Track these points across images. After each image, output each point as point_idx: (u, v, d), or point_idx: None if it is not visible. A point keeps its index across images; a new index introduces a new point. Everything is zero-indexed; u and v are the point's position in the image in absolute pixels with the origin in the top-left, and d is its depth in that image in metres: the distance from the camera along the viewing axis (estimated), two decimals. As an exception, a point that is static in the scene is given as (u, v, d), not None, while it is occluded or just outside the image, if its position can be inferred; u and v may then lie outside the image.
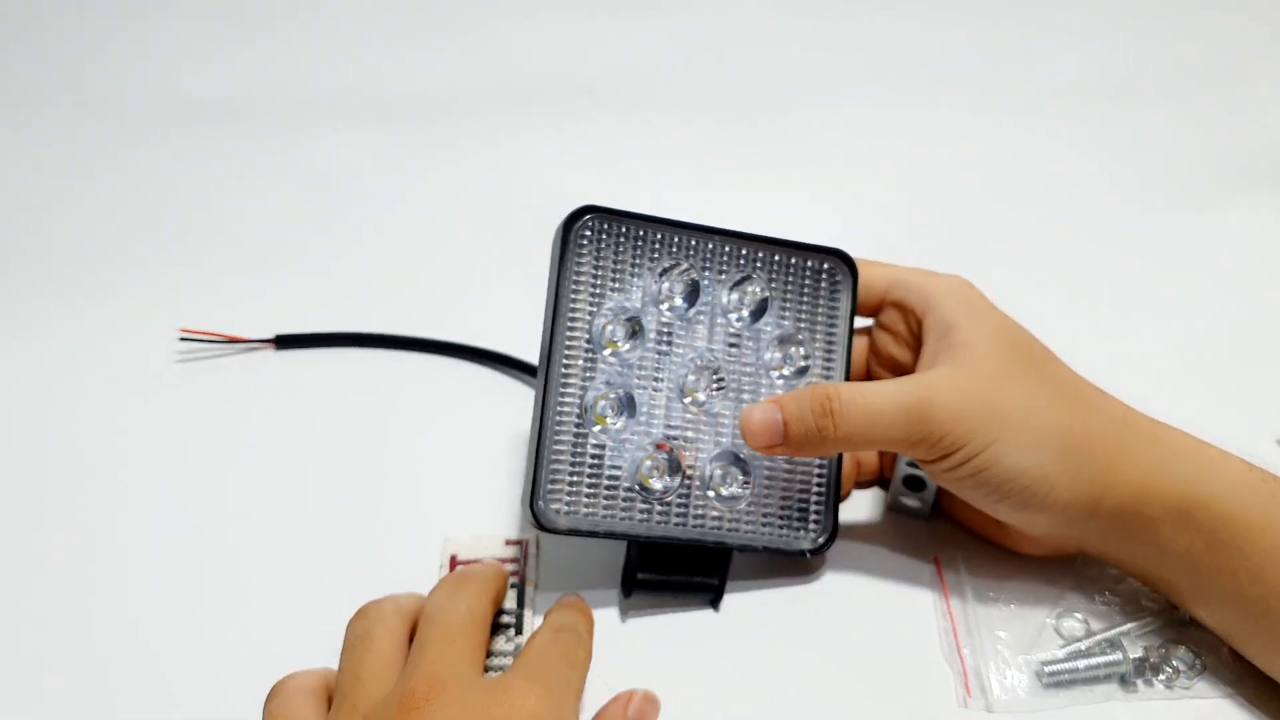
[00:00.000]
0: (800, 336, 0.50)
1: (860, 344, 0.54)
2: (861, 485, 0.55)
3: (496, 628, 0.47)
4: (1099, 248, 0.74)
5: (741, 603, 0.49)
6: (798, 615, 0.49)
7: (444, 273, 0.69)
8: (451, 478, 0.55)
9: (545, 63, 0.92)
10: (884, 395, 0.45)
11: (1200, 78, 0.91)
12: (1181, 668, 0.45)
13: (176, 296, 0.66)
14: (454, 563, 0.50)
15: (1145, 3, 0.89)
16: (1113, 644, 0.46)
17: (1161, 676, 0.45)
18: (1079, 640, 0.47)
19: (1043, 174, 0.81)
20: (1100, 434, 0.45)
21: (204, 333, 0.62)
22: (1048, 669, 0.45)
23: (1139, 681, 0.45)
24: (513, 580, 0.50)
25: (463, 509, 0.53)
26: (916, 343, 0.50)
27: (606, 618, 0.48)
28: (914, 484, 0.52)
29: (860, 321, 0.52)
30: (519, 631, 0.48)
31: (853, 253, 0.51)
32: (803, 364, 0.49)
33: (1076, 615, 0.48)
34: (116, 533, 0.52)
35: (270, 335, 0.63)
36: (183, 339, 0.62)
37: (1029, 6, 0.90)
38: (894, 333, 0.52)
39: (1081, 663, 0.46)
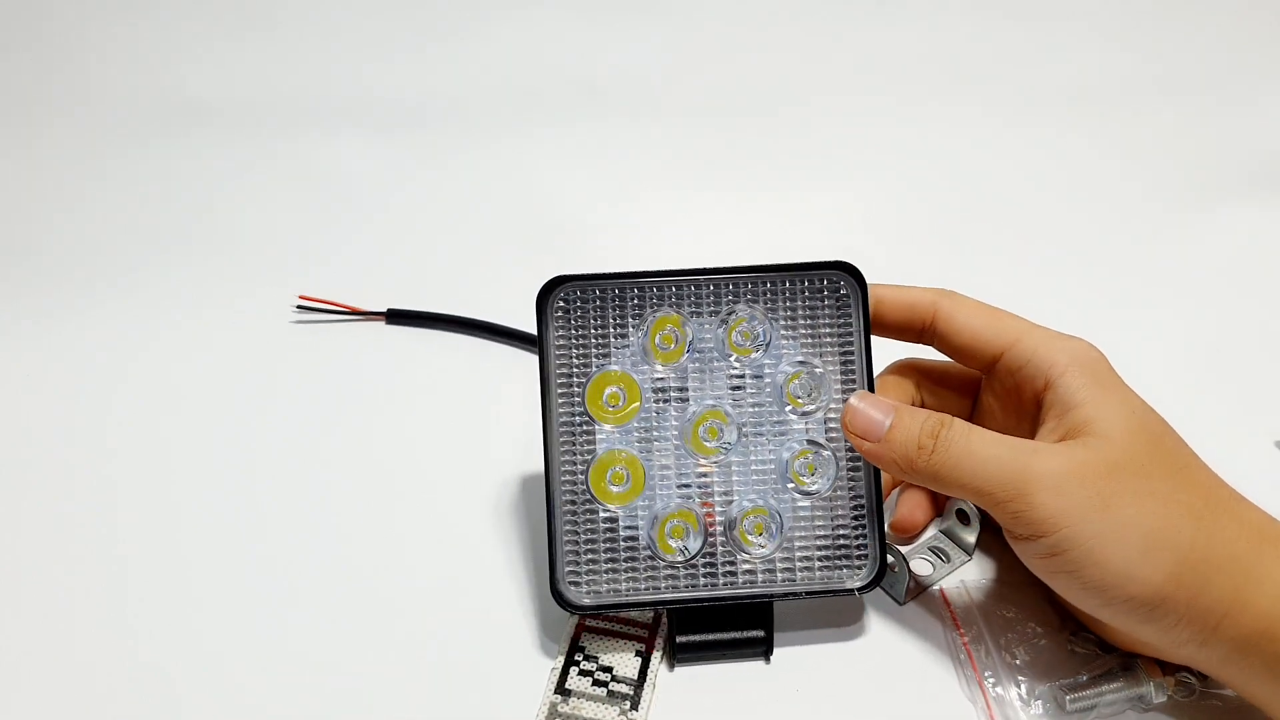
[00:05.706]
0: (812, 361, 0.47)
1: (962, 407, 0.51)
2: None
3: (610, 695, 0.45)
4: (1097, 249, 0.74)
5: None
6: (804, 638, 0.48)
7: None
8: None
9: (618, 63, 0.92)
10: (989, 444, 0.42)
11: (1200, 81, 0.87)
12: (1194, 673, 0.44)
13: (297, 269, 0.71)
14: (582, 621, 0.48)
15: (1147, 6, 0.87)
16: (1127, 665, 0.45)
17: (1176, 689, 0.44)
18: (1097, 662, 0.46)
19: (1042, 177, 0.81)
20: (1229, 550, 0.40)
21: (322, 300, 0.65)
22: (1070, 696, 0.44)
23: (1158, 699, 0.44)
24: (637, 648, 0.46)
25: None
26: (1033, 412, 0.46)
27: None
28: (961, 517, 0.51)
29: (905, 350, 0.51)
30: (634, 707, 0.44)
31: (912, 280, 0.48)
32: (815, 390, 0.46)
33: (1090, 635, 0.47)
34: (234, 475, 0.56)
35: (382, 309, 0.66)
36: (300, 306, 0.65)
37: (1029, 11, 0.89)
38: (1006, 403, 0.47)
39: (1105, 686, 0.44)
